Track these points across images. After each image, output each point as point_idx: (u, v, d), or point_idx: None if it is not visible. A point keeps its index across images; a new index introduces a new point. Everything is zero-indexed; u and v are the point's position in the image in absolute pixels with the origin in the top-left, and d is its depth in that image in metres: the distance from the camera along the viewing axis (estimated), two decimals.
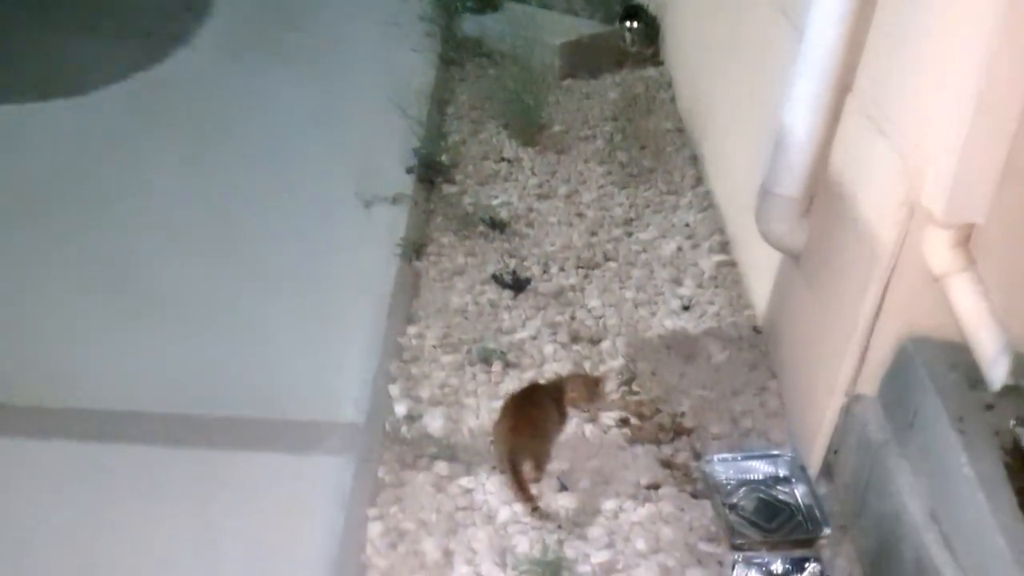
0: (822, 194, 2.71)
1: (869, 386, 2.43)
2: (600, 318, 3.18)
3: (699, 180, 3.99)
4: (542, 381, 2.77)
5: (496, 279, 3.34)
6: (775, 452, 2.57)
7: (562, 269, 3.44)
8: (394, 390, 2.81)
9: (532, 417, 2.50)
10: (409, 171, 3.91)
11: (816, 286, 2.69)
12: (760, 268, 3.23)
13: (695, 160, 4.14)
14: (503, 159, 4.15)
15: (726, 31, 3.90)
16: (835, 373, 2.48)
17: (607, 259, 3.50)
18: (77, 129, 4.22)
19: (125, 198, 3.74)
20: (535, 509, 2.39)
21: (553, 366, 2.93)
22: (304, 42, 5.19)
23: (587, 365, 2.96)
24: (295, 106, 4.52)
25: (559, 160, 4.17)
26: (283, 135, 4.23)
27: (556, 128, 4.41)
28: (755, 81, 3.41)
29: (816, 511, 2.40)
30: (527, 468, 2.46)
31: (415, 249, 3.47)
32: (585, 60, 4.97)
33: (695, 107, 4.36)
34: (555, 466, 2.56)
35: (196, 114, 4.38)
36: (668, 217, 3.76)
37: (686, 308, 3.23)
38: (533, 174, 4.06)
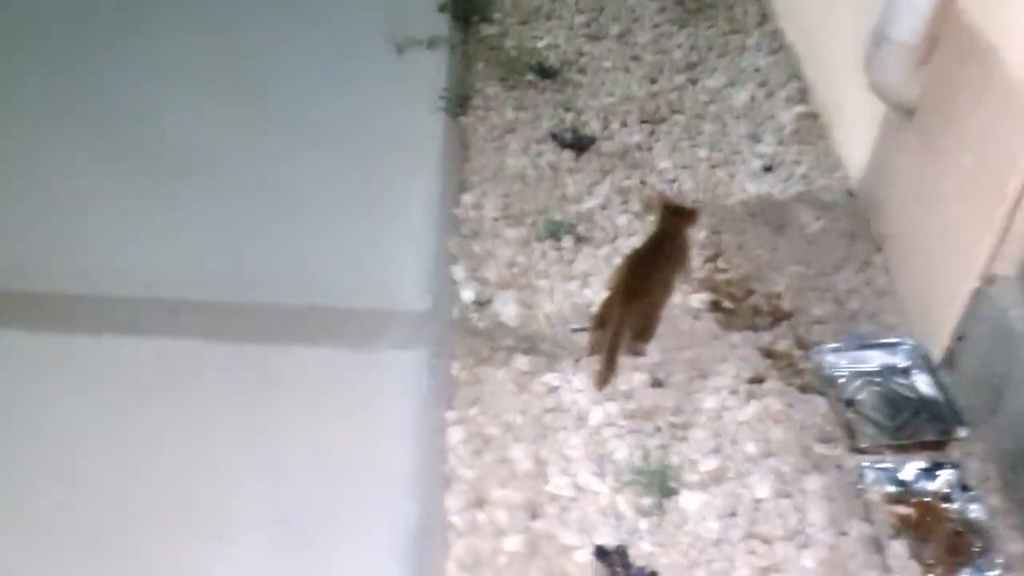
0: (948, 39, 2.34)
1: (1009, 265, 2.15)
2: (674, 182, 2.84)
3: (764, 17, 3.56)
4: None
5: (555, 138, 2.97)
6: (893, 340, 2.31)
7: (624, 124, 3.07)
8: (458, 272, 2.51)
9: (649, 282, 2.23)
10: (442, 8, 3.46)
11: (938, 147, 2.35)
12: (851, 121, 2.88)
13: None
14: None
15: None
16: (966, 249, 2.19)
17: (673, 112, 3.13)
18: None
19: (127, 40, 3.29)
20: (605, 382, 2.18)
21: (629, 242, 2.62)
22: None
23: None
24: None
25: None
26: None
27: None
28: None
29: (945, 407, 2.16)
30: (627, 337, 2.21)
31: (459, 102, 3.08)
32: None
33: None
34: (646, 360, 2.30)
35: None
36: (735, 61, 3.36)
37: (768, 169, 2.89)
38: (579, 11, 3.61)
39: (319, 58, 3.21)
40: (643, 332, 2.27)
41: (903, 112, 2.51)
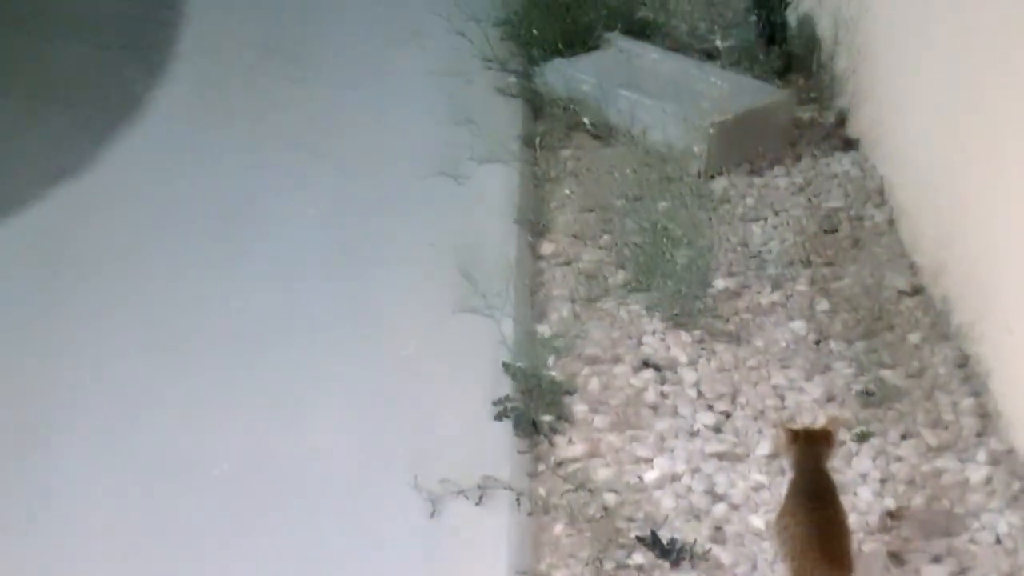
0: None
1: None
2: None
3: (985, 420, 2.33)
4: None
5: None
6: None
7: None
8: None
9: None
10: (499, 416, 2.29)
11: None
12: None
13: (965, 367, 2.48)
14: (645, 364, 2.50)
15: None
16: None
17: None
18: None
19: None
20: None
21: None
22: (307, 97, 3.53)
23: None
24: (299, 238, 2.90)
25: (737, 362, 2.51)
26: (283, 320, 2.61)
27: (720, 285, 2.76)
28: None
29: None
30: None
31: None
32: (741, 144, 3.26)
33: (949, 248, 2.66)
34: None
35: (143, 276, 2.74)
36: (961, 520, 2.13)
37: None
38: (700, 397, 2.41)
39: (307, 536, 2.02)
40: None
41: None
